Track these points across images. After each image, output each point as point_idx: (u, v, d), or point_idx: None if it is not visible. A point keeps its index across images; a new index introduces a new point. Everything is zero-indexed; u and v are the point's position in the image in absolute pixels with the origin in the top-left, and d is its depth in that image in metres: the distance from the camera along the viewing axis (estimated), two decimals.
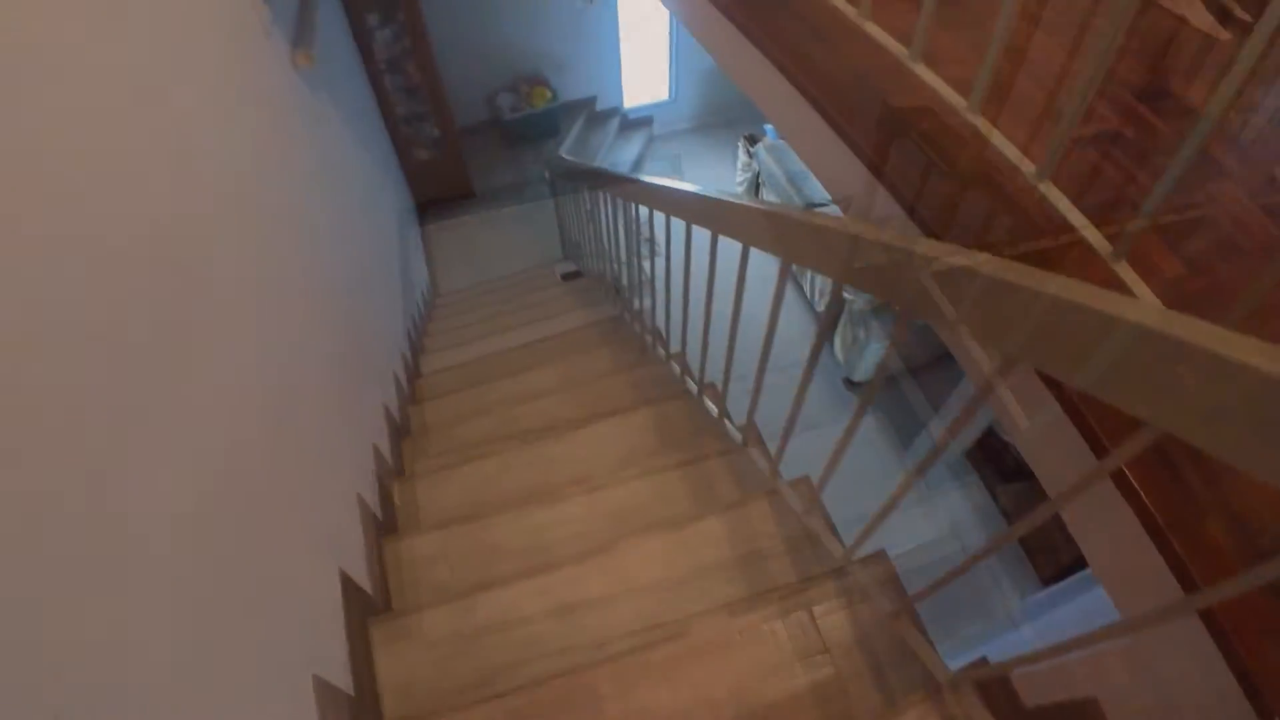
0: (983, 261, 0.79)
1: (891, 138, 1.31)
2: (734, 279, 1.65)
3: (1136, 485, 0.93)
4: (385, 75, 5.17)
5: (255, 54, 2.12)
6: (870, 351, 4.56)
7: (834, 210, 4.33)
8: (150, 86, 1.34)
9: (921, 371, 4.70)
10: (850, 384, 4.87)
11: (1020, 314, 0.75)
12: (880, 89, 1.39)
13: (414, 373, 3.48)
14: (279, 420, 1.57)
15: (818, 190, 5.05)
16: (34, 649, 0.70)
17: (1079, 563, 3.54)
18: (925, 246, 0.86)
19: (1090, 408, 0.99)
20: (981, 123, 1.15)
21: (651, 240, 2.87)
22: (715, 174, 6.70)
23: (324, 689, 1.40)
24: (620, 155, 6.79)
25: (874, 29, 1.35)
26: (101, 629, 0.81)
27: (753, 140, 6.03)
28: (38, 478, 0.75)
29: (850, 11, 1.40)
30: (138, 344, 1.06)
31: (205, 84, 1.66)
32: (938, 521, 4.27)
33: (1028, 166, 1.12)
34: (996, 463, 4.25)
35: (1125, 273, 1.06)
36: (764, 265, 1.46)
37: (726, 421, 2.16)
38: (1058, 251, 1.15)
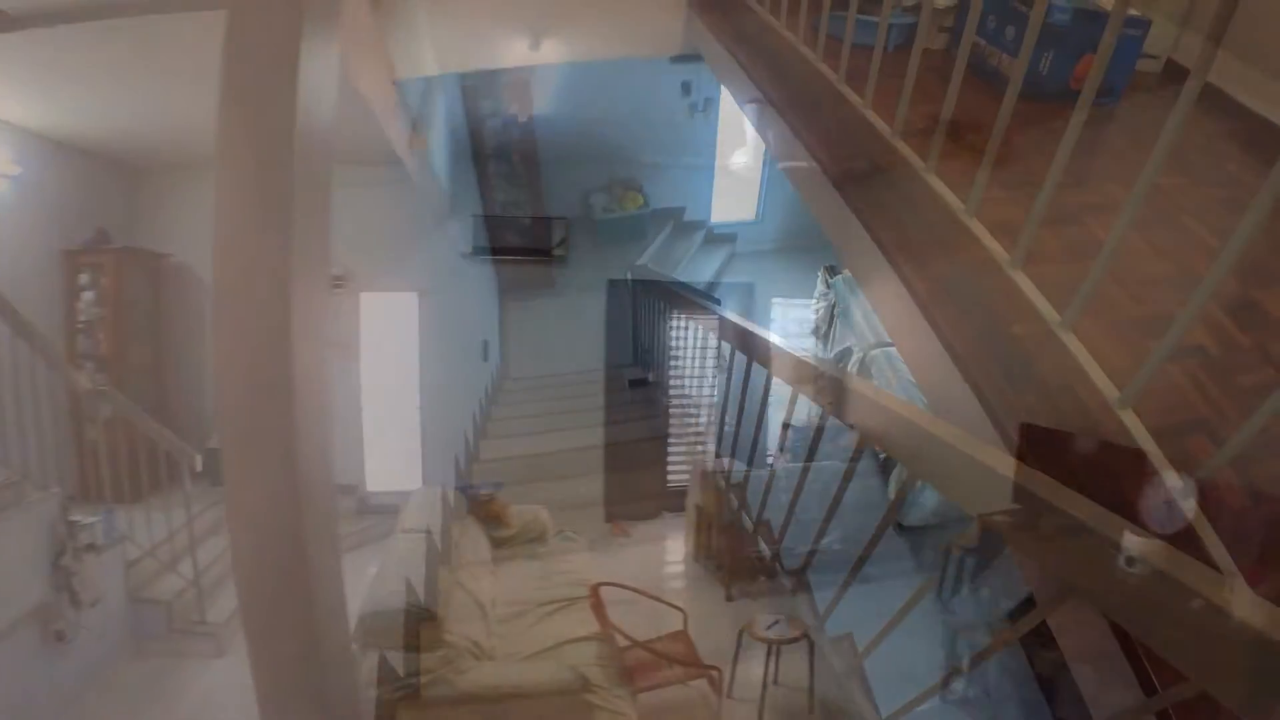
0: (1084, 509, 0.82)
1: (979, 338, 1.35)
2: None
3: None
4: (490, 161, 5.46)
5: (381, 134, 2.28)
6: (925, 496, 4.45)
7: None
8: None
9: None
10: (900, 528, 4.75)
11: (1100, 562, 0.78)
12: (977, 291, 1.44)
13: (474, 455, 3.55)
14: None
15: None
16: None
17: None
18: (1012, 471, 0.89)
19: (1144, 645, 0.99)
20: (1071, 340, 1.18)
21: (719, 352, 2.92)
22: (792, 298, 6.77)
23: None
24: (700, 267, 6.92)
25: (979, 228, 1.42)
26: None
27: (833, 271, 6.10)
28: None
29: (959, 207, 1.48)
30: None
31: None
32: (968, 678, 4.10)
33: (1111, 391, 1.14)
34: (1037, 629, 4.08)
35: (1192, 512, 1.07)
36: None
37: (779, 566, 2.17)
38: (1130, 471, 1.16)
